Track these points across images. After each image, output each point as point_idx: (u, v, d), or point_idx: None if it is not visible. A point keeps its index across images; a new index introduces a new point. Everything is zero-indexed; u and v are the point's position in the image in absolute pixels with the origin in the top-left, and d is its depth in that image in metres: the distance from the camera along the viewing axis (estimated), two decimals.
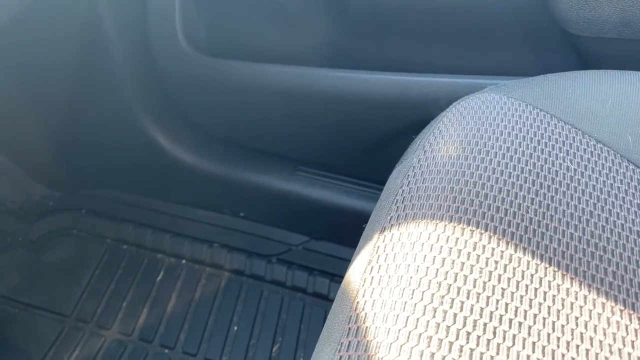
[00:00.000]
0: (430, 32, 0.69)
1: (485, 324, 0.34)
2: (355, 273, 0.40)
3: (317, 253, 0.91)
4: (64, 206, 0.99)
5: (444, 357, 0.33)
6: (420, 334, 0.34)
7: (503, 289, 0.36)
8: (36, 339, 0.84)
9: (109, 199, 0.99)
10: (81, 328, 0.85)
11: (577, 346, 0.34)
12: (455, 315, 0.35)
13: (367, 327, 0.35)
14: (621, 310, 0.36)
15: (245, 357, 0.82)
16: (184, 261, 0.93)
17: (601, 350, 0.34)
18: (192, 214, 0.96)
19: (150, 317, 0.86)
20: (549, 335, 0.34)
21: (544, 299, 0.36)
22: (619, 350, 0.34)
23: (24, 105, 0.88)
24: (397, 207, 0.43)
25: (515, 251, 0.38)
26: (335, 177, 0.86)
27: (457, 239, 0.39)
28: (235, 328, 0.85)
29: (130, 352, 0.83)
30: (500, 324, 0.34)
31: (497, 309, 0.35)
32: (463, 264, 0.37)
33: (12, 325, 0.85)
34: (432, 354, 0.33)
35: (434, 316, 0.35)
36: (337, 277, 0.88)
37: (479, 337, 0.34)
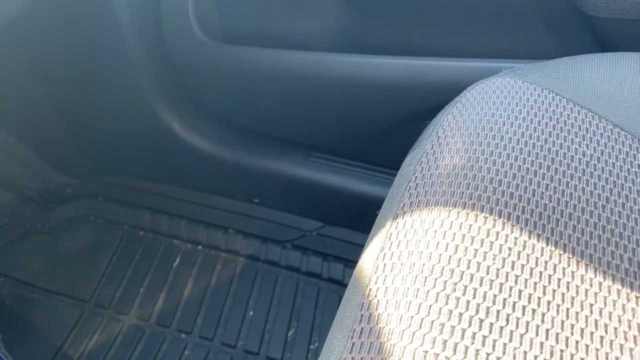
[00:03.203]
0: (445, 15, 0.68)
1: (498, 311, 0.34)
2: (368, 260, 0.40)
3: (332, 239, 0.91)
4: (81, 193, 1.00)
5: (457, 344, 0.33)
6: (432, 321, 0.34)
7: (516, 276, 0.36)
8: (56, 323, 0.85)
9: (125, 186, 1.00)
10: (100, 313, 0.87)
11: (591, 333, 0.34)
12: (468, 302, 0.34)
13: (379, 314, 0.35)
14: (637, 297, 0.36)
15: (261, 342, 0.83)
16: (200, 247, 0.94)
17: (616, 337, 0.34)
18: (208, 201, 0.97)
19: (167, 303, 0.87)
20: (562, 322, 0.34)
21: (558, 286, 0.36)
22: (634, 337, 0.34)
23: (40, 94, 0.88)
24: (410, 194, 0.42)
25: (529, 238, 0.38)
26: (349, 163, 0.86)
27: (470, 225, 0.39)
28: (251, 313, 0.86)
29: (148, 337, 0.84)
30: (514, 311, 0.34)
31: (510, 296, 0.35)
32: (476, 250, 0.37)
33: (33, 311, 0.87)
34: (445, 341, 0.33)
35: (446, 303, 0.34)
36: (352, 262, 0.88)
37: (491, 323, 0.34)
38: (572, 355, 0.33)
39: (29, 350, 0.83)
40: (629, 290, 0.36)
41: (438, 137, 0.47)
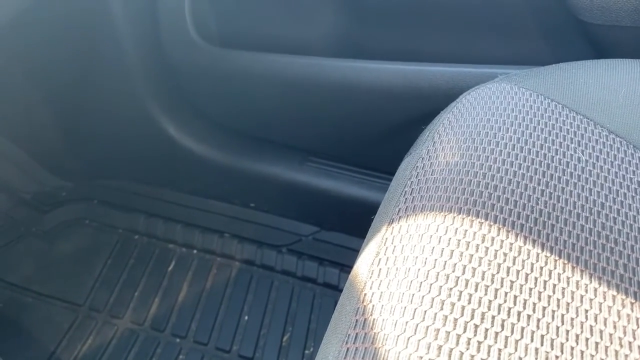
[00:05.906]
0: (441, 21, 0.68)
1: (493, 317, 0.34)
2: (363, 265, 0.40)
3: (327, 243, 0.91)
4: (76, 196, 0.99)
5: (451, 349, 0.32)
6: (427, 327, 0.34)
7: (511, 281, 0.36)
8: (50, 327, 0.85)
9: (120, 189, 0.99)
10: (94, 317, 0.86)
11: (587, 339, 0.34)
12: (462, 307, 0.34)
13: (374, 319, 0.35)
14: (632, 303, 0.36)
15: (256, 347, 0.83)
16: (195, 251, 0.93)
17: (611, 343, 0.34)
18: (203, 205, 0.96)
19: (161, 307, 0.87)
20: (557, 327, 0.34)
21: (553, 292, 0.36)
22: (629, 343, 0.34)
23: (36, 97, 0.88)
24: (406, 198, 0.42)
25: (524, 243, 0.38)
26: (345, 168, 0.86)
27: (466, 230, 0.38)
28: (246, 318, 0.86)
29: (142, 341, 0.84)
30: (509, 317, 0.34)
31: (505, 301, 0.35)
32: (471, 256, 0.37)
33: (26, 314, 0.86)
34: (440, 347, 0.33)
35: (441, 308, 0.34)
36: (347, 267, 0.88)
37: (486, 329, 0.33)
38: None
39: (22, 355, 0.82)
40: (623, 297, 0.36)
41: (434, 142, 0.47)
